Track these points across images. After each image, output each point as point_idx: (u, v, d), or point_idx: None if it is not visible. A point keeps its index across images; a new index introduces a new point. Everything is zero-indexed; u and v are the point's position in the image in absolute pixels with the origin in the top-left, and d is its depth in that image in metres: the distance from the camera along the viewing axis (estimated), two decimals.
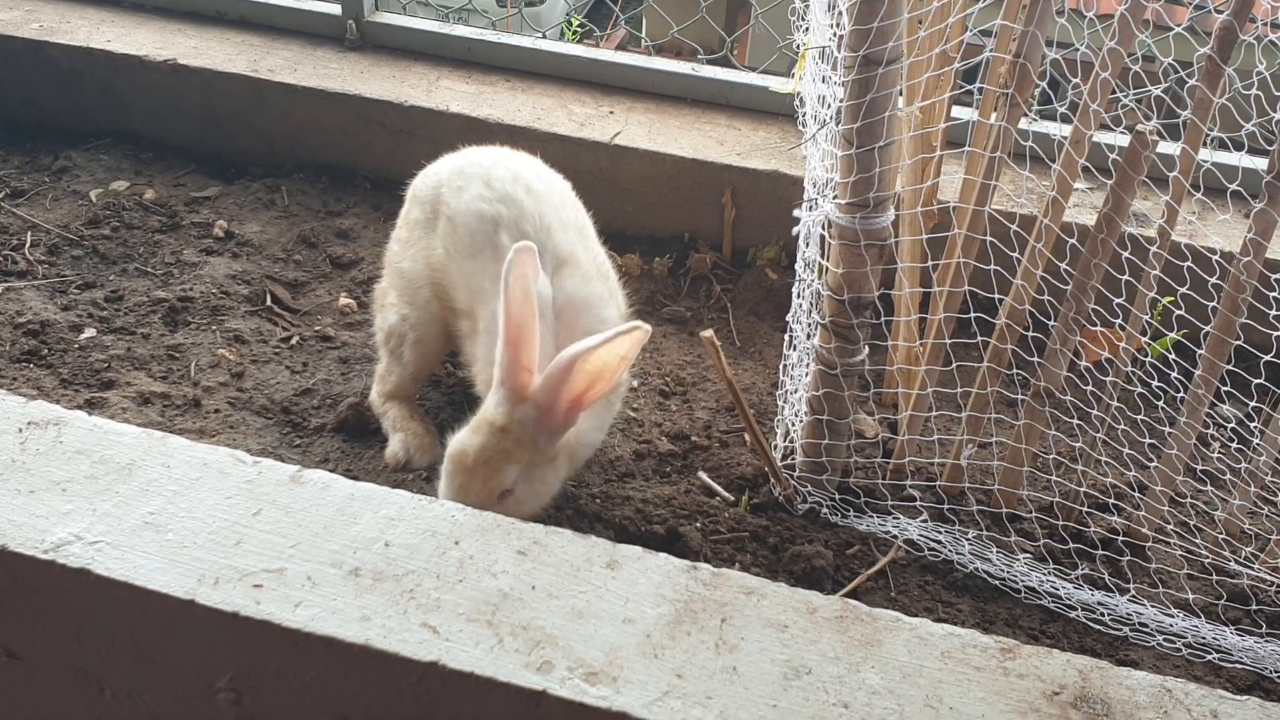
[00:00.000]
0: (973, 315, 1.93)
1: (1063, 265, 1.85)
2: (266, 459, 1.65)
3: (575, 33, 4.27)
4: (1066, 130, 1.80)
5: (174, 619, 1.44)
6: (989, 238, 1.87)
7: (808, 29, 2.27)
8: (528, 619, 1.42)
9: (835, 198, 1.88)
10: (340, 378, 2.36)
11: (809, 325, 2.03)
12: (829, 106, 1.93)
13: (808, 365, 2.05)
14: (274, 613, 1.41)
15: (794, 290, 2.15)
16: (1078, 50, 1.85)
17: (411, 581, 1.46)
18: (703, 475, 2.15)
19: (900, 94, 1.90)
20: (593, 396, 1.78)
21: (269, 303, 2.56)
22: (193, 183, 3.00)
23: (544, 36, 3.13)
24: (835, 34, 1.84)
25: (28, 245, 2.68)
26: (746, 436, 2.24)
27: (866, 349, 1.97)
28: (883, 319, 2.02)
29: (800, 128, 2.22)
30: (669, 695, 1.34)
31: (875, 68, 1.73)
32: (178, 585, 1.43)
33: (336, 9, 3.14)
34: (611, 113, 2.91)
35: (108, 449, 1.64)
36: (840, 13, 1.81)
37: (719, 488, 2.12)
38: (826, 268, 1.92)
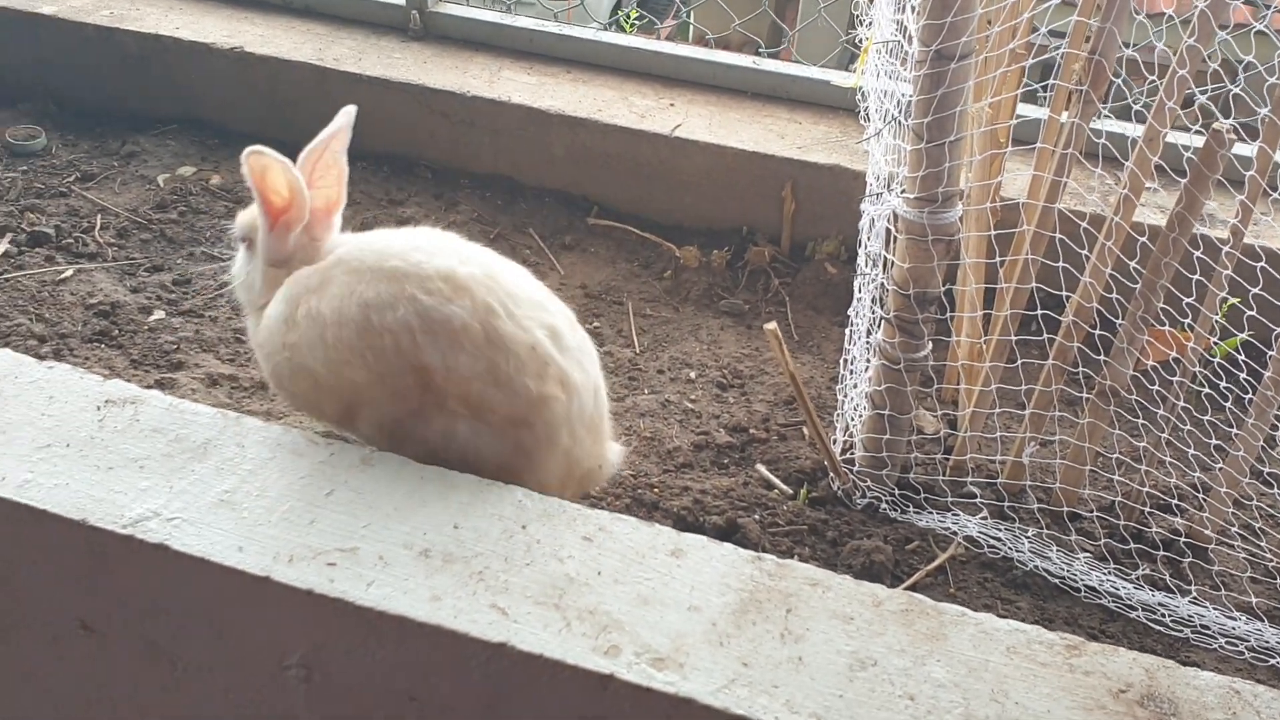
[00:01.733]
0: (1039, 312, 1.92)
1: (1132, 264, 1.84)
2: (339, 442, 1.68)
3: (634, 25, 4.27)
4: (1136, 129, 1.79)
5: (248, 596, 1.47)
6: (1058, 234, 1.86)
7: (871, 23, 2.27)
8: (594, 604, 1.44)
9: (903, 192, 1.88)
10: None
11: (872, 320, 2.03)
12: (895, 101, 1.93)
13: (869, 360, 2.05)
14: (347, 591, 1.43)
15: (855, 284, 2.15)
16: (1150, 49, 1.83)
17: (480, 564, 1.48)
18: (761, 468, 2.16)
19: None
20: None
21: None
22: None
23: (608, 26, 3.14)
24: (906, 28, 1.84)
25: (98, 228, 2.74)
26: (805, 430, 2.24)
27: (930, 344, 1.97)
28: (947, 315, 2.02)
29: (862, 122, 2.21)
30: (735, 683, 1.35)
31: (947, 63, 1.73)
32: (253, 562, 1.46)
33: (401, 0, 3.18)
34: (672, 105, 2.92)
35: (183, 428, 1.67)
36: (912, 7, 1.81)
37: (777, 481, 2.13)
38: (892, 262, 1.92)
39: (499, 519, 1.56)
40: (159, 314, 2.43)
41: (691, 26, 3.78)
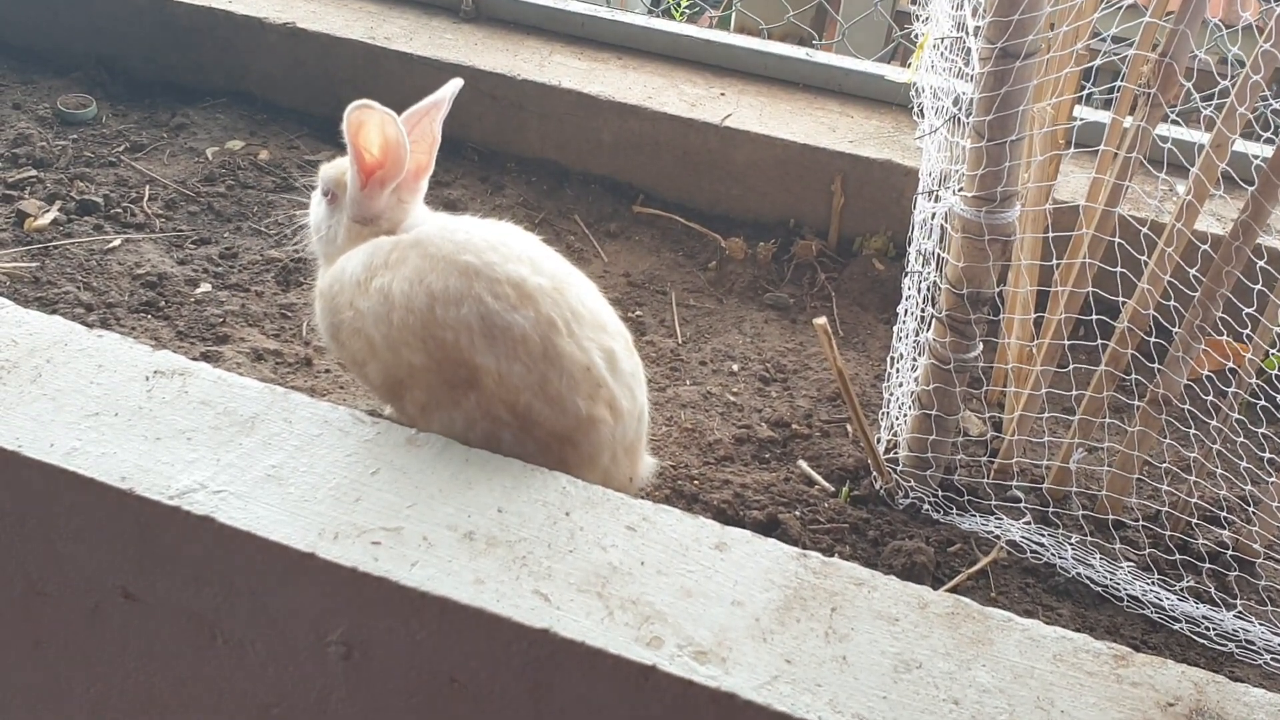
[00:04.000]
0: (1094, 317, 1.89)
1: (1192, 271, 1.81)
2: (384, 420, 1.68)
3: (683, 12, 4.25)
4: (1200, 134, 1.75)
5: (293, 571, 1.48)
6: (1117, 239, 1.83)
7: (927, 18, 2.24)
8: (637, 594, 1.43)
9: (960, 190, 1.85)
10: None
11: (922, 318, 2.00)
12: (955, 98, 1.90)
13: (917, 358, 2.03)
14: (391, 570, 1.43)
15: (904, 281, 2.13)
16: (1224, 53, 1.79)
17: (524, 549, 1.48)
18: (803, 464, 2.14)
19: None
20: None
21: None
22: (306, 145, 3.05)
23: (654, 11, 3.12)
24: (970, 25, 1.82)
25: (146, 199, 2.75)
26: (849, 427, 2.22)
27: (981, 345, 1.95)
28: (1000, 316, 2.00)
29: (915, 117, 2.19)
30: (778, 680, 1.34)
31: (1012, 61, 1.70)
32: (298, 538, 1.46)
33: None
34: (723, 94, 2.90)
35: (231, 401, 1.68)
36: (976, 5, 1.78)
37: (819, 477, 2.11)
38: (946, 260, 1.90)
39: (543, 505, 1.55)
40: (205, 287, 2.44)
41: (734, 15, 3.74)
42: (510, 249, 1.73)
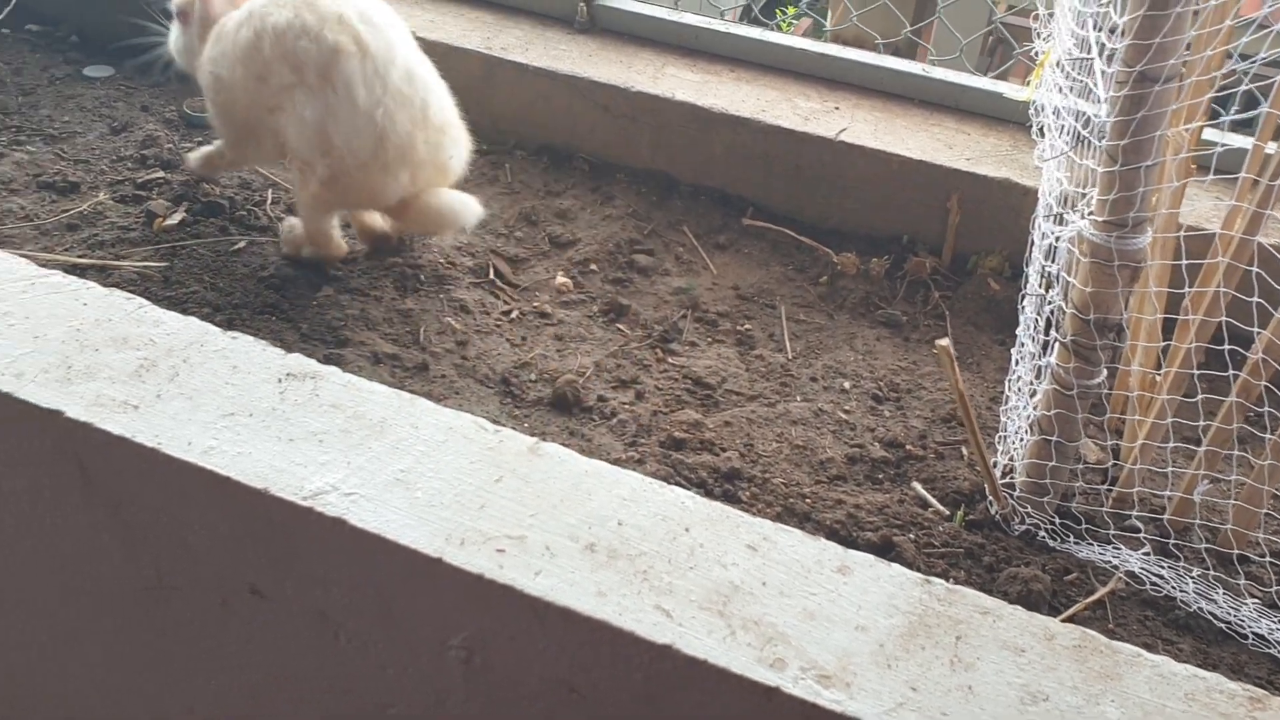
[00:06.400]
0: (1226, 347, 1.84)
1: None
2: (506, 429, 1.70)
3: (790, 22, 4.24)
4: None
5: (419, 575, 1.50)
6: (1255, 268, 1.78)
7: (1049, 36, 2.20)
8: (759, 614, 1.43)
9: (1089, 214, 1.82)
10: (556, 354, 2.42)
11: (1044, 342, 1.97)
12: (1085, 120, 1.87)
13: (1038, 383, 1.99)
14: (515, 578, 1.45)
15: (1024, 304, 2.10)
16: None
17: (644, 563, 1.49)
18: (917, 486, 2.12)
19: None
20: None
21: (492, 276, 2.64)
22: None
23: (776, 27, 3.11)
24: (1099, 46, 1.78)
25: (268, 202, 2.83)
26: (964, 450, 2.20)
27: (1105, 371, 1.91)
28: (1126, 342, 1.96)
29: (1035, 137, 2.15)
30: (903, 707, 1.33)
31: (1151, 85, 1.67)
32: (426, 543, 1.49)
33: None
34: (837, 109, 2.88)
35: (360, 405, 1.72)
36: (1112, 27, 1.75)
37: (934, 500, 2.09)
38: (1072, 284, 1.87)
39: (662, 519, 1.56)
40: (326, 290, 2.50)
41: (830, 22, 3.71)
42: None
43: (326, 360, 2.26)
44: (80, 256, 2.51)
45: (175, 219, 2.68)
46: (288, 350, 1.82)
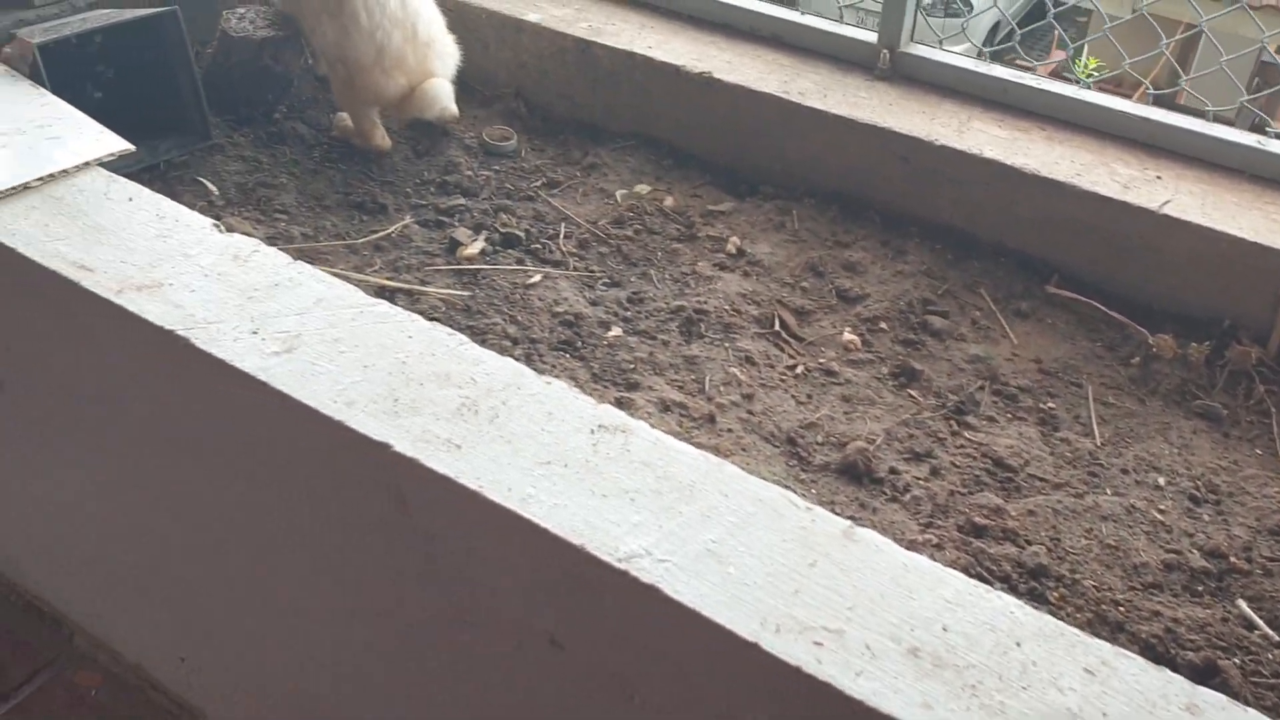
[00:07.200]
0: None
1: None
2: (817, 507, 1.64)
3: (1092, 76, 4.02)
4: None
5: (730, 656, 1.46)
6: None
7: None
8: None
9: None
10: (843, 416, 2.35)
11: None
12: None
13: None
14: (835, 676, 1.39)
15: None
16: None
17: (972, 676, 1.40)
18: (1242, 604, 1.94)
19: None
20: None
21: (777, 327, 2.59)
22: (708, 195, 3.10)
23: (982, 54, 2.93)
24: None
25: (561, 236, 2.87)
26: None
27: None
28: None
29: None
30: None
31: None
32: (742, 624, 1.44)
33: (872, 36, 3.12)
34: (1159, 178, 2.69)
35: (670, 465, 1.69)
36: None
37: (1261, 622, 1.90)
38: None
39: (990, 629, 1.46)
40: (616, 330, 2.51)
41: (1081, 63, 3.47)
42: None
43: (618, 404, 2.27)
44: (388, 279, 2.61)
45: (476, 248, 2.76)
46: (581, 389, 1.82)
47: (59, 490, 2.53)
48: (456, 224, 2.87)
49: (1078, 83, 2.95)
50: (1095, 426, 2.35)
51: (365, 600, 1.98)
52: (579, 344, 2.45)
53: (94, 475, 2.40)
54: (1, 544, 2.89)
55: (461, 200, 2.98)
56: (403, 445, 1.69)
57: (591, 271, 2.75)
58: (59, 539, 2.68)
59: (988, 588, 1.53)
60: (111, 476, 2.36)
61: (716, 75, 3.14)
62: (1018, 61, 3.40)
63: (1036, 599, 1.95)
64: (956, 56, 3.07)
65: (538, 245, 2.81)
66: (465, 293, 2.57)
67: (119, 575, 2.57)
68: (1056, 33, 3.96)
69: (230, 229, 2.15)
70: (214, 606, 2.38)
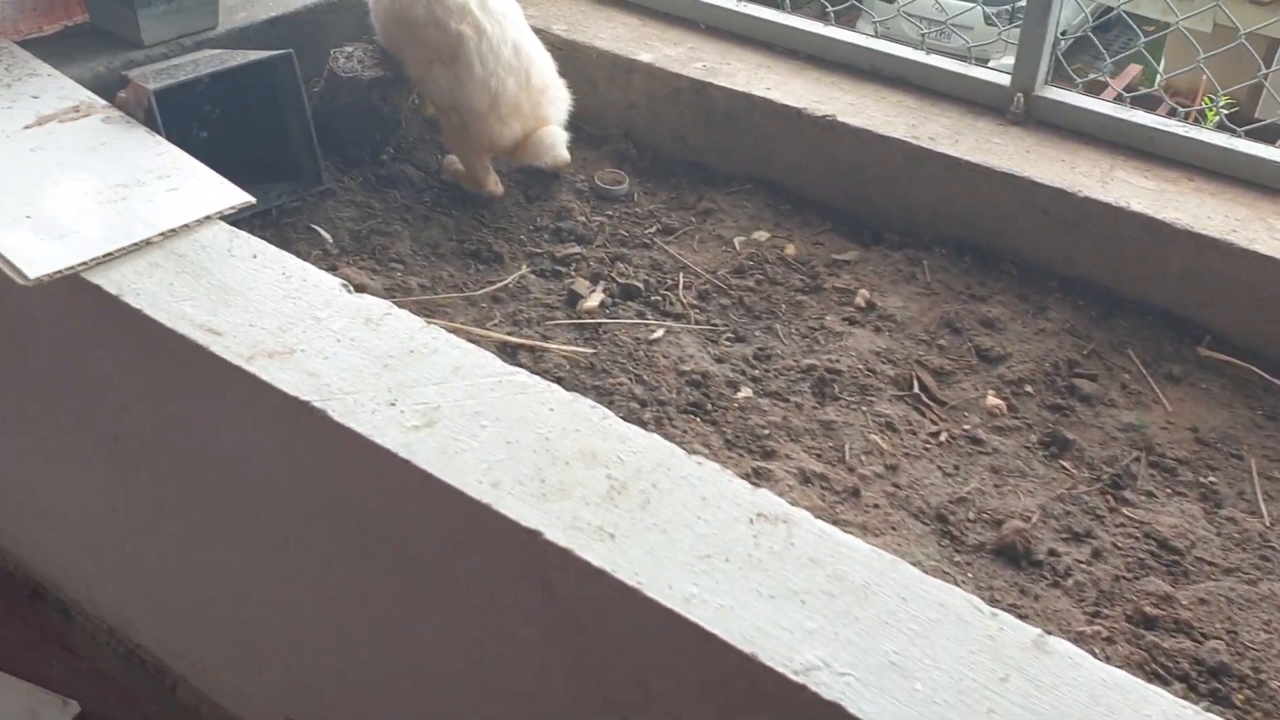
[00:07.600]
0: None
1: None
2: (1003, 614, 1.52)
3: (1218, 113, 3.84)
4: None
5: None
6: None
7: None
8: None
9: None
10: (994, 490, 2.22)
11: None
12: None
13: None
14: None
15: None
16: None
17: None
18: None
19: None
20: None
21: (916, 389, 2.47)
22: (831, 243, 2.98)
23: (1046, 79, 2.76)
24: None
25: (680, 287, 2.78)
26: None
27: None
28: None
29: None
30: None
31: None
32: None
33: (1005, 79, 2.99)
34: None
35: (840, 563, 1.58)
36: None
37: None
38: None
39: None
40: (745, 391, 2.41)
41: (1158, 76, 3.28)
42: None
43: (755, 474, 2.16)
44: (509, 333, 2.53)
45: (595, 300, 2.67)
46: (716, 457, 1.72)
47: (170, 545, 2.49)
48: (574, 274, 2.78)
49: (1232, 132, 2.79)
50: (1262, 504, 2.19)
51: (507, 685, 1.89)
52: (709, 406, 2.35)
53: (209, 535, 2.35)
54: (108, 596, 2.86)
55: (577, 248, 2.89)
56: (554, 533, 1.60)
57: (714, 325, 2.65)
58: (168, 593, 2.63)
59: (1196, 709, 1.40)
60: (228, 538, 2.30)
61: (841, 119, 3.02)
62: (1092, 76, 3.22)
63: (1221, 701, 1.80)
64: (1097, 101, 2.93)
65: (657, 297, 2.72)
66: (589, 349, 2.48)
67: (230, 631, 2.52)
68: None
69: (361, 288, 2.08)
70: (328, 673, 2.32)
